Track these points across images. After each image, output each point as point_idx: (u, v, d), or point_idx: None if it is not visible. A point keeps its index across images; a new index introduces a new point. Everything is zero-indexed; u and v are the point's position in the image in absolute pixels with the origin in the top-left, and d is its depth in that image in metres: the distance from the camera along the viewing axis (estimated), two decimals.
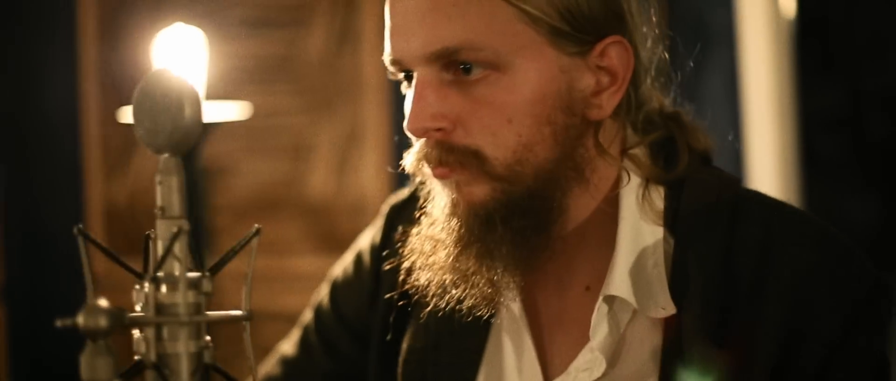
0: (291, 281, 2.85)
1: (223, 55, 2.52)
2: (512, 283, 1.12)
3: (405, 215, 1.28)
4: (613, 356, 1.11)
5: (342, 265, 1.37)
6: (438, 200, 1.14)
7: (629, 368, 1.12)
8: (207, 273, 0.91)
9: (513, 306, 1.17)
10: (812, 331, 1.05)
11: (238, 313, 0.93)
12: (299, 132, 2.95)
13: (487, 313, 1.14)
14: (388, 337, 1.25)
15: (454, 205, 1.11)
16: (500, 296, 1.13)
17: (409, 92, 1.12)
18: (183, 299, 0.89)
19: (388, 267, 1.24)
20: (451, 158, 1.08)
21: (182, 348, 0.89)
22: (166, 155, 0.91)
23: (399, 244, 1.23)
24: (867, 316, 1.06)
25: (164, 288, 0.90)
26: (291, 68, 2.97)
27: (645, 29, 1.14)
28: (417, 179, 1.32)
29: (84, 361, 0.84)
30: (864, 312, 1.06)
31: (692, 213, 1.11)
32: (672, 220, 1.12)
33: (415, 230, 1.17)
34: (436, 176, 1.11)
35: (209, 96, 2.18)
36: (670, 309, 1.08)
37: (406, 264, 1.16)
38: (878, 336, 1.07)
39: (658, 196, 1.14)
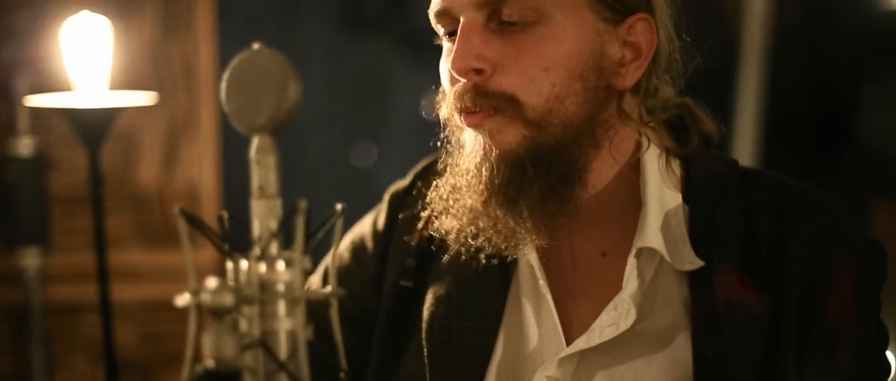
0: (119, 274, 2.76)
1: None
2: (535, 234, 1.17)
3: (408, 202, 1.31)
4: (641, 309, 1.19)
5: (335, 254, 1.38)
6: (467, 148, 1.19)
7: (660, 320, 1.20)
8: (304, 254, 0.92)
9: (532, 269, 1.22)
10: (830, 285, 1.18)
11: (329, 289, 0.95)
12: (126, 123, 2.86)
13: (511, 256, 1.20)
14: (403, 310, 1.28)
15: (486, 151, 1.16)
16: (521, 245, 1.19)
17: (446, 45, 1.19)
18: (294, 275, 0.90)
19: (396, 249, 1.30)
20: (485, 102, 1.15)
21: (283, 325, 0.90)
22: (263, 134, 0.91)
23: (407, 224, 1.28)
24: (871, 273, 1.21)
25: (263, 267, 0.90)
26: (118, 58, 2.87)
27: (667, 20, 1.22)
28: (418, 167, 1.36)
29: (209, 340, 0.84)
30: (868, 269, 1.20)
31: (705, 182, 1.22)
32: (686, 188, 1.22)
33: (438, 181, 1.22)
34: (469, 124, 1.16)
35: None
36: (697, 263, 1.17)
37: (426, 214, 1.23)
38: (878, 291, 1.21)
39: (676, 166, 1.24)
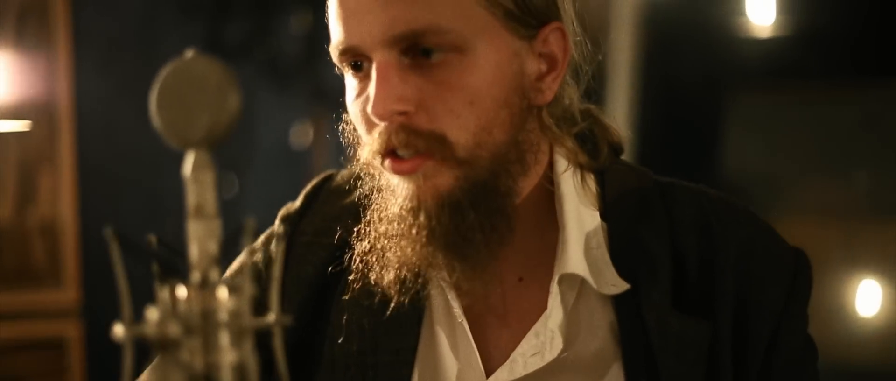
0: None
1: None
2: (483, 275, 1.11)
3: (302, 225, 1.24)
4: (566, 337, 1.13)
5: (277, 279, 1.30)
6: (398, 193, 1.11)
7: (587, 348, 1.14)
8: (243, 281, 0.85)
9: (444, 296, 1.16)
10: (761, 301, 1.14)
11: (272, 317, 0.87)
12: None
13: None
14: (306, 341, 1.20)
15: (420, 198, 1.09)
16: (469, 287, 1.12)
17: (350, 80, 1.11)
18: (240, 302, 0.82)
19: (292, 278, 1.22)
20: (418, 142, 1.07)
21: (227, 357, 0.82)
22: (199, 149, 0.84)
23: (307, 249, 1.20)
24: (798, 285, 1.17)
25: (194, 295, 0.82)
26: None
27: (573, 24, 1.18)
28: (309, 187, 1.29)
29: (156, 375, 0.76)
30: (795, 281, 1.17)
31: (621, 199, 1.17)
32: (603, 205, 1.17)
33: (361, 228, 1.15)
34: (400, 171, 1.08)
35: None
36: (622, 286, 1.12)
37: (356, 265, 1.14)
38: (806, 301, 1.18)
39: (591, 181, 1.19)
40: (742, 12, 3.44)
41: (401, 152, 1.08)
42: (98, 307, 2.99)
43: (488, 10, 1.08)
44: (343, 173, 1.30)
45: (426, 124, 1.07)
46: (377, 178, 1.13)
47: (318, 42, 3.27)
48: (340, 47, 1.10)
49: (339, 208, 1.24)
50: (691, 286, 1.13)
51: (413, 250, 1.10)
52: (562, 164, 1.17)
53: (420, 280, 1.12)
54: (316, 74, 3.31)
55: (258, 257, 1.27)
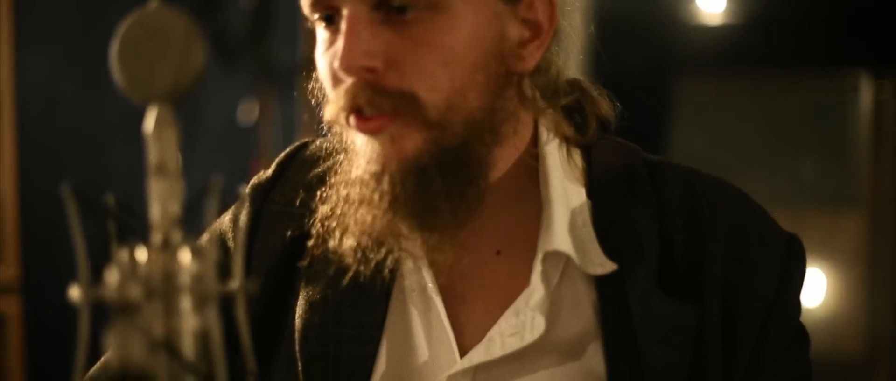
0: None
1: None
2: (446, 247, 1.06)
3: (274, 195, 1.20)
4: (547, 318, 1.09)
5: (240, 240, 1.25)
6: (362, 154, 1.05)
7: (569, 329, 1.10)
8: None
9: (418, 269, 1.12)
10: (752, 288, 1.10)
11: (236, 283, 0.84)
12: None
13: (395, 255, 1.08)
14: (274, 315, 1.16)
15: (385, 161, 1.03)
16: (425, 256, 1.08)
17: (321, 33, 1.06)
18: (204, 266, 0.78)
19: (260, 250, 1.17)
20: (384, 101, 1.01)
21: (189, 322, 0.79)
22: (162, 104, 0.80)
23: (274, 220, 1.16)
24: (791, 271, 1.13)
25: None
26: None
27: None
28: (282, 156, 1.25)
29: (115, 339, 0.72)
30: (788, 267, 1.13)
31: (608, 176, 1.12)
32: (589, 182, 1.13)
33: (325, 192, 1.10)
34: (364, 130, 1.03)
35: None
36: (608, 267, 1.08)
37: (317, 230, 1.09)
38: (799, 288, 1.14)
39: (577, 156, 1.14)
40: (691, 0, 3.45)
41: (366, 111, 1.02)
42: (37, 284, 2.92)
43: None
44: (318, 142, 1.25)
45: (395, 82, 1.01)
46: (344, 138, 1.08)
47: (264, 18, 3.22)
48: None
49: (312, 177, 1.20)
50: (679, 269, 1.09)
51: (374, 217, 1.04)
52: (546, 137, 1.12)
53: (383, 250, 1.07)
54: (263, 50, 3.25)
55: (226, 226, 1.23)
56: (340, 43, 1.01)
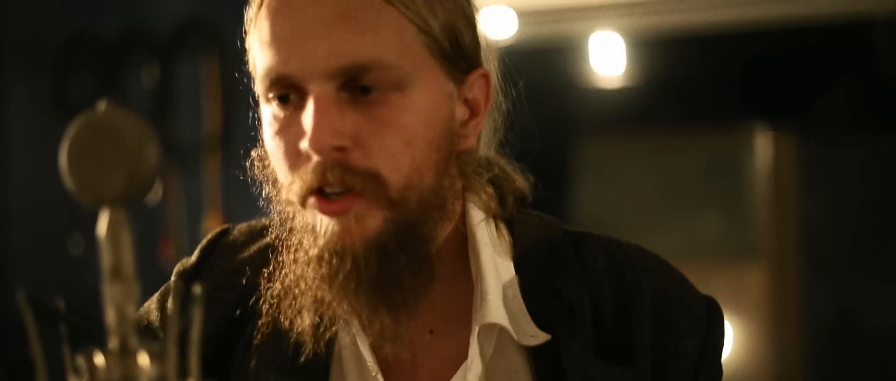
0: None
1: None
2: (404, 322, 1.07)
3: (200, 281, 1.18)
4: None
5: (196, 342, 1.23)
6: (320, 233, 1.05)
7: None
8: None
9: (355, 348, 1.12)
10: (678, 350, 1.12)
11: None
12: None
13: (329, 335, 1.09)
14: None
15: (350, 239, 1.03)
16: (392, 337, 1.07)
17: (272, 112, 1.05)
18: (165, 369, 0.77)
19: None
20: (355, 180, 1.01)
21: None
22: (115, 208, 0.79)
23: (206, 305, 1.14)
24: (712, 333, 1.15)
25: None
26: None
27: (495, 71, 1.16)
28: (204, 242, 1.23)
29: None
30: (708, 328, 1.15)
31: (533, 249, 1.14)
32: (515, 256, 1.14)
33: (275, 272, 1.09)
34: (329, 212, 1.03)
35: None
36: (541, 337, 1.09)
37: (266, 310, 1.09)
38: (721, 349, 1.17)
39: (504, 231, 1.16)
40: (589, 63, 3.51)
41: (330, 190, 1.02)
42: None
43: (428, 48, 1.04)
44: (239, 227, 1.24)
45: (361, 162, 1.02)
46: (293, 217, 1.07)
47: (167, 95, 3.20)
48: (272, 75, 1.03)
49: (238, 263, 1.19)
50: (610, 336, 1.11)
51: (334, 295, 1.04)
52: (477, 213, 1.14)
53: (334, 328, 1.07)
54: (166, 128, 3.23)
55: (153, 316, 1.21)
56: (307, 122, 1.01)
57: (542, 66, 3.49)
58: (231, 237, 1.23)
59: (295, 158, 1.04)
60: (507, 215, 1.17)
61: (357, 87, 1.02)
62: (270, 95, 1.05)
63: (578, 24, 3.27)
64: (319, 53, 1.00)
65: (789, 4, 2.90)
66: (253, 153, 1.12)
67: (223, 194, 3.11)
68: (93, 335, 0.81)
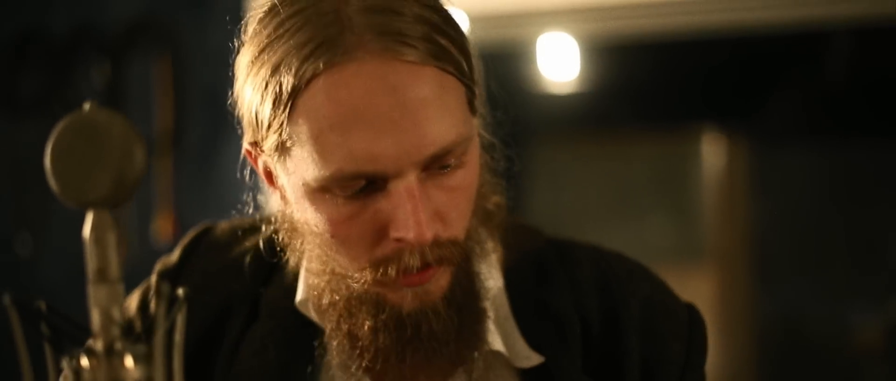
0: None
1: None
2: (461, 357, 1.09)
3: (181, 282, 1.17)
4: None
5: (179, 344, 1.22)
6: (379, 307, 1.06)
7: None
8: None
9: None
10: (665, 357, 1.14)
11: None
12: None
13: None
14: None
15: (422, 303, 1.04)
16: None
17: (336, 201, 1.01)
18: (153, 371, 0.77)
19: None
20: (443, 252, 1.02)
21: None
22: (100, 209, 0.78)
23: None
24: (694, 337, 1.17)
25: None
26: None
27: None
28: (186, 239, 1.23)
29: None
30: (692, 334, 1.17)
31: (520, 262, 1.15)
32: (504, 269, 1.15)
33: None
34: (412, 284, 1.03)
35: None
36: (535, 359, 1.10)
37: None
38: (704, 356, 1.18)
39: (491, 242, 1.17)
40: (539, 67, 3.53)
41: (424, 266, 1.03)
42: None
43: (468, 100, 1.04)
44: (221, 226, 1.23)
45: (444, 234, 1.02)
46: (354, 288, 1.06)
47: (118, 95, 3.16)
48: (361, 171, 0.98)
49: (220, 265, 1.19)
50: (598, 349, 1.12)
51: (396, 357, 1.06)
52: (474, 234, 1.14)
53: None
54: None
55: (133, 313, 1.20)
56: (400, 214, 0.98)
57: (494, 69, 3.50)
58: (214, 237, 1.22)
59: (376, 242, 1.02)
60: (495, 225, 1.17)
61: (437, 166, 1.01)
62: (339, 190, 1.01)
63: (529, 28, 3.28)
64: (411, 146, 0.97)
65: (740, 12, 2.93)
66: (279, 216, 1.12)
67: (174, 194, 3.08)
68: (75, 337, 0.80)
